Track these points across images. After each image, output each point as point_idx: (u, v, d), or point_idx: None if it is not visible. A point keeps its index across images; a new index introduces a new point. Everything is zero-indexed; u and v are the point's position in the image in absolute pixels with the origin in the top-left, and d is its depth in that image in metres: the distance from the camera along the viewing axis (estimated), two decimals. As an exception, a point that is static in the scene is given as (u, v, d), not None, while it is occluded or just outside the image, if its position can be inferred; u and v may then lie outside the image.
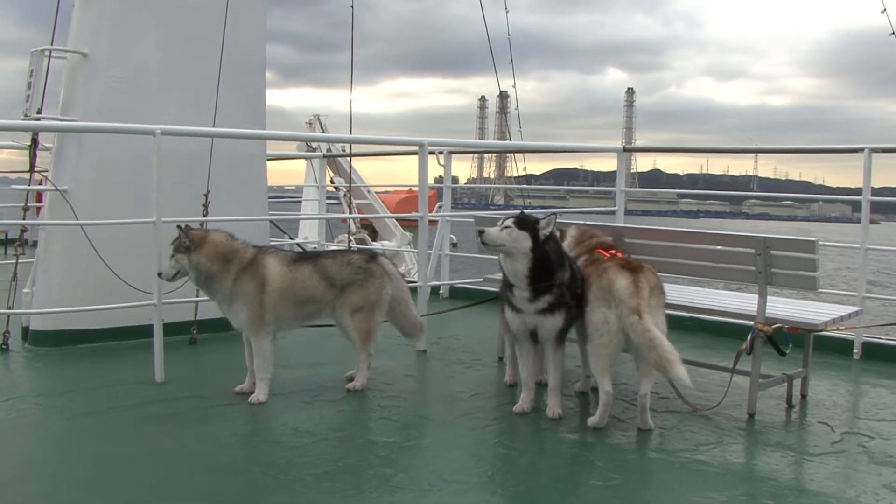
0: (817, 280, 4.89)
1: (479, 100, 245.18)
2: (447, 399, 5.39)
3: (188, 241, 5.15)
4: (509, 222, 4.78)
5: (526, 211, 5.06)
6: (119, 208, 6.32)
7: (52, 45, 6.89)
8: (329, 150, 13.60)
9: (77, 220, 6.41)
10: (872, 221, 7.02)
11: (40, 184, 6.91)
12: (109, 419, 4.87)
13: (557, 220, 4.91)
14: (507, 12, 12.25)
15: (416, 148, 6.94)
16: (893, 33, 10.71)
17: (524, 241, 4.72)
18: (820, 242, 4.93)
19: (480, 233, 4.83)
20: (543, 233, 4.74)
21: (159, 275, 5.30)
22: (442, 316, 7.32)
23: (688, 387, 4.61)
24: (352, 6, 8.17)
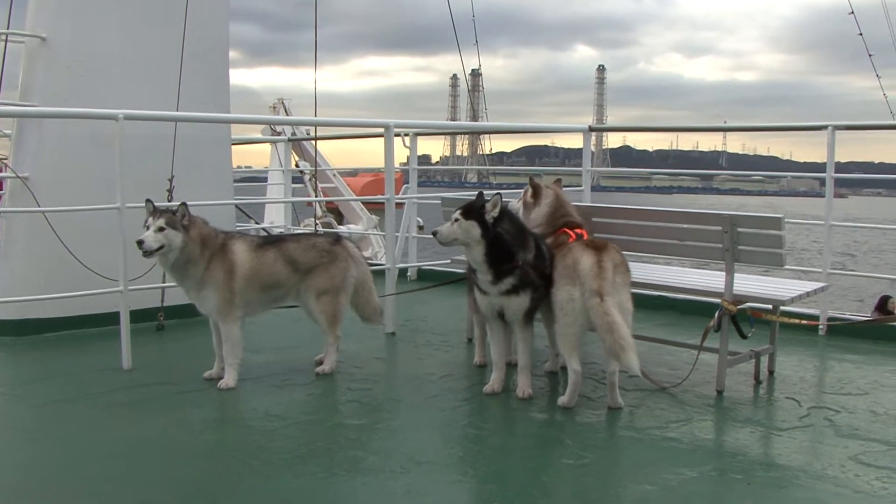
0: (784, 256, 4.92)
1: (451, 78, 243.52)
2: (417, 381, 5.38)
3: (187, 220, 5.04)
4: (457, 214, 4.79)
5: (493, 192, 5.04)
6: (82, 194, 6.18)
7: (8, 28, 6.76)
8: (294, 133, 13.49)
9: (39, 207, 6.31)
10: (840, 196, 7.17)
11: (0, 171, 6.80)
12: (77, 407, 4.83)
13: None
14: None
15: (382, 130, 6.89)
16: (852, 12, 10.85)
17: (473, 230, 4.73)
18: (786, 219, 4.97)
19: (434, 233, 4.88)
20: (491, 216, 4.74)
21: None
22: (410, 298, 7.30)
23: (635, 374, 4.65)
24: (315, -13, 8.07)
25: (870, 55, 12.46)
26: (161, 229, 4.96)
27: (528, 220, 5.30)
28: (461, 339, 6.44)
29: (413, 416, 4.74)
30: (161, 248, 4.97)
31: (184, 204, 5.08)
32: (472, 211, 4.77)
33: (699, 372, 5.21)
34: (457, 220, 4.78)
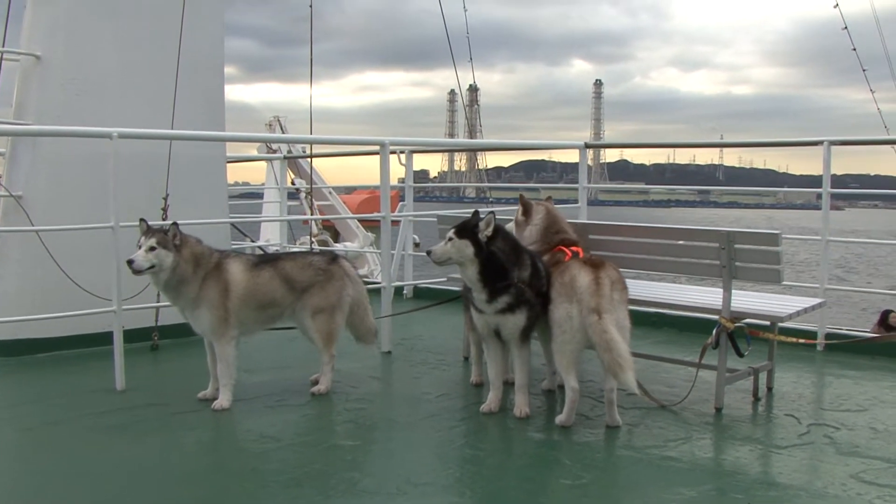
0: (781, 273, 4.89)
1: (449, 93, 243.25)
2: (413, 400, 5.34)
3: (178, 239, 5.01)
4: (451, 233, 4.81)
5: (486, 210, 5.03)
6: (76, 213, 6.15)
7: (3, 46, 6.75)
8: (289, 151, 13.50)
9: (32, 226, 6.27)
10: (836, 208, 7.15)
11: (-6, 190, 6.77)
12: (70, 429, 4.78)
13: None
14: (465, 11, 12.31)
15: (377, 147, 6.87)
16: (846, 28, 10.85)
17: (467, 249, 4.74)
18: (783, 235, 4.94)
19: (429, 253, 4.90)
20: (485, 234, 4.74)
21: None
22: (406, 316, 7.26)
23: (633, 393, 4.63)
24: (310, 5, 8.06)
25: (864, 70, 12.42)
26: (152, 249, 4.93)
27: (522, 239, 5.29)
28: (457, 357, 6.40)
29: (409, 436, 4.69)
30: (151, 267, 4.94)
31: (175, 224, 5.05)
32: (466, 230, 4.78)
33: (697, 389, 5.17)
34: (450, 239, 4.79)
